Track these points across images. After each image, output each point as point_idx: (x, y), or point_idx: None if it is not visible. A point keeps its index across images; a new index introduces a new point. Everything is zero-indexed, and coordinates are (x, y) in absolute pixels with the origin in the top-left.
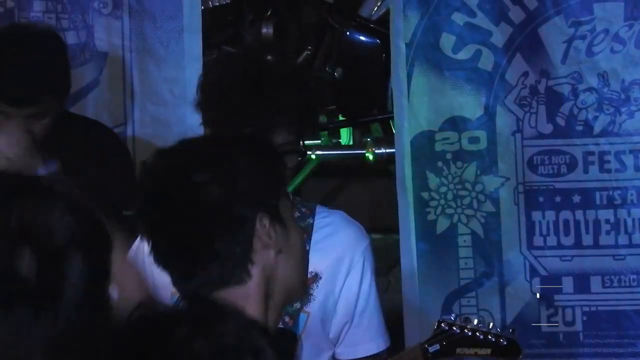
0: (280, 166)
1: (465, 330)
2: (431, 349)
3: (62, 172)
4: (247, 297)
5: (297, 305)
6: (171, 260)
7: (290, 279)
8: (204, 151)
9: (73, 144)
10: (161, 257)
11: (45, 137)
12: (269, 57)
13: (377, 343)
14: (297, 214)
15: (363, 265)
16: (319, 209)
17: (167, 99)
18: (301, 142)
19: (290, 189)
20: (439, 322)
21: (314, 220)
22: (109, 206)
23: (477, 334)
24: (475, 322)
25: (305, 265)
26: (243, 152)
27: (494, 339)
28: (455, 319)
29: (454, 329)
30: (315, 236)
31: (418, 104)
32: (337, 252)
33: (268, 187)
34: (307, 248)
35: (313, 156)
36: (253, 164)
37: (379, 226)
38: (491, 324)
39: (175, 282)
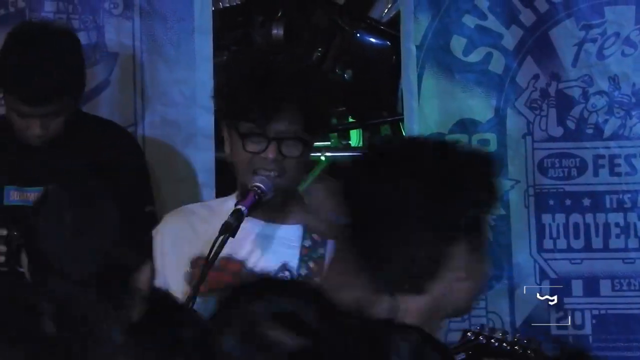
0: (491, 196)
1: (492, 341)
2: (457, 358)
3: (75, 172)
4: (415, 308)
5: None
6: (367, 251)
7: (463, 303)
8: (430, 160)
9: (87, 143)
10: (359, 246)
11: (59, 135)
12: (278, 57)
13: None
14: None
15: None
16: None
17: (177, 100)
18: (309, 136)
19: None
20: (465, 332)
21: None
22: (128, 204)
23: (504, 344)
24: (501, 333)
25: (480, 292)
26: (465, 172)
27: (520, 350)
28: (481, 328)
29: (480, 338)
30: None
31: (428, 106)
32: None
33: (477, 215)
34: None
35: (322, 158)
36: (472, 189)
37: None
38: (518, 335)
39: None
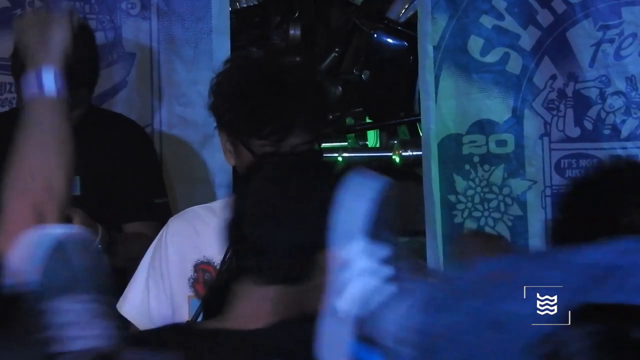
0: None
1: None
2: None
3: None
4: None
5: None
6: None
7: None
8: None
9: (99, 136)
10: None
11: (73, 128)
12: (296, 59)
13: None
14: None
15: None
16: None
17: (195, 100)
18: (316, 143)
19: None
20: None
21: None
22: (140, 196)
23: None
24: None
25: None
26: None
27: None
28: None
29: None
30: None
31: (445, 106)
32: None
33: None
34: None
35: (340, 158)
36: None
37: (406, 228)
38: None
39: None
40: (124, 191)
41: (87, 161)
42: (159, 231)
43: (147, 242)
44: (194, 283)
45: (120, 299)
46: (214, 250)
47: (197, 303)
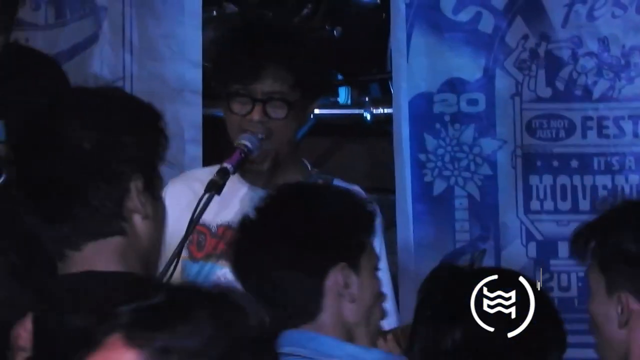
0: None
1: None
2: None
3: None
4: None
5: None
6: (40, 202)
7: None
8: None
9: (20, 75)
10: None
11: None
12: (268, 13)
13: (388, 322)
14: None
15: (379, 246)
16: (337, 182)
17: (165, 55)
18: (297, 97)
19: None
20: None
21: None
22: None
23: None
24: None
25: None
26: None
27: None
28: None
29: None
30: None
31: (417, 65)
32: None
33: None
34: None
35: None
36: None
37: (376, 186)
38: None
39: (40, 227)
40: None
41: (10, 103)
42: None
43: None
44: (188, 244)
45: None
46: (209, 213)
47: (189, 264)
